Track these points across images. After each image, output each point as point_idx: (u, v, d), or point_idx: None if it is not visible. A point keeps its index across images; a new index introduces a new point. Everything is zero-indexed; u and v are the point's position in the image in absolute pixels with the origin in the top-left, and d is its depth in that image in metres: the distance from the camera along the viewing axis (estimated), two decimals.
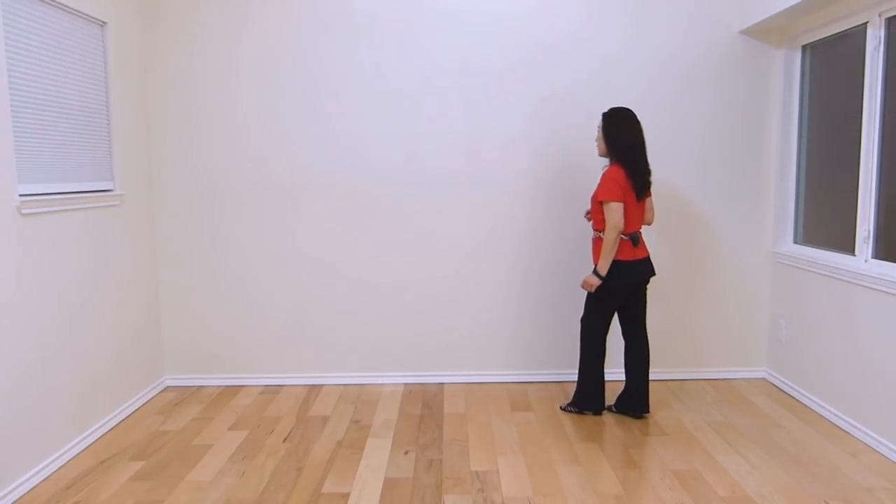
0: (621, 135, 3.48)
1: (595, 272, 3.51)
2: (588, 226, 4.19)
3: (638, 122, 3.49)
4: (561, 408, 3.83)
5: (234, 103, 4.14)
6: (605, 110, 3.66)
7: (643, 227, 3.88)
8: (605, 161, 3.69)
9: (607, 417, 3.71)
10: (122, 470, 3.13)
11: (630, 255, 3.51)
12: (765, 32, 4.11)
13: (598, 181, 3.55)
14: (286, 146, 4.17)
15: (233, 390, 4.23)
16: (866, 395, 3.35)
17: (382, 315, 4.30)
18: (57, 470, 3.14)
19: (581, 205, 4.20)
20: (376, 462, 3.19)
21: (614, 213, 3.40)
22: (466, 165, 4.19)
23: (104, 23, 3.66)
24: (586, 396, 3.72)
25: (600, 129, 3.55)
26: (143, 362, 4.05)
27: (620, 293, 3.56)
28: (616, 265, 3.50)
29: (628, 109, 3.52)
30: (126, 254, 3.86)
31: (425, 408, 3.89)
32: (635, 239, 3.51)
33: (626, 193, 3.44)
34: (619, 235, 3.43)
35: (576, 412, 3.76)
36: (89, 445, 3.41)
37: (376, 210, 4.22)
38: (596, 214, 3.55)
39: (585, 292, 4.19)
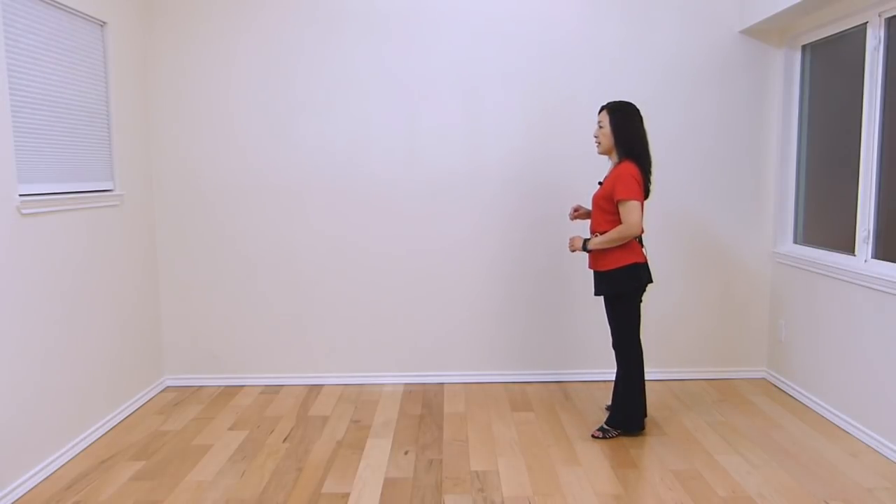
0: (633, 129, 3.25)
1: (584, 243, 3.32)
2: (588, 226, 4.19)
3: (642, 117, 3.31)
4: (597, 436, 3.41)
5: (233, 103, 4.14)
6: (606, 103, 3.43)
7: None
8: (605, 158, 3.63)
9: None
10: (122, 470, 3.13)
11: (643, 257, 3.31)
12: (765, 32, 4.11)
13: (611, 178, 3.27)
14: (286, 146, 4.17)
15: (233, 390, 4.23)
16: (866, 395, 3.35)
17: (382, 315, 4.30)
18: (57, 470, 3.14)
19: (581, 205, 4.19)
20: (376, 462, 3.19)
21: (635, 211, 3.15)
22: (466, 166, 4.19)
23: (104, 23, 3.67)
24: (631, 417, 3.40)
25: (607, 124, 3.27)
26: (143, 362, 4.05)
27: (639, 296, 3.36)
28: (635, 268, 3.27)
29: (632, 103, 3.30)
30: (126, 254, 3.86)
31: (425, 408, 3.89)
32: (641, 240, 3.36)
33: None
34: (632, 235, 3.21)
35: (615, 435, 3.42)
36: (89, 445, 3.41)
37: (376, 210, 4.22)
38: (602, 215, 3.30)
39: (591, 293, 4.19)
